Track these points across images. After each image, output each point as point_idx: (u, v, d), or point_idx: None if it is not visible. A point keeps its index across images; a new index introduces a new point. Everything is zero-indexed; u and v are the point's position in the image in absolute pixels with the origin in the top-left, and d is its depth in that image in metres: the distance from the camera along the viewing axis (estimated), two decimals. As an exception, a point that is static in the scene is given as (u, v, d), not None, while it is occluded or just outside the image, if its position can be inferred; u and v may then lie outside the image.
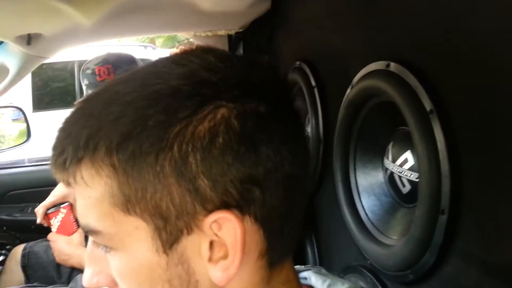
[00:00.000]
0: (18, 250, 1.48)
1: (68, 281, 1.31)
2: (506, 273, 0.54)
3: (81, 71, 1.39)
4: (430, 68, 0.66)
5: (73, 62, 4.84)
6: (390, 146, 0.84)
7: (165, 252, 0.32)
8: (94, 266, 0.36)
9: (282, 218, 0.35)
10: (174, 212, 0.32)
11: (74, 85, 4.95)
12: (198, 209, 0.32)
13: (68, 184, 0.35)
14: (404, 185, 0.81)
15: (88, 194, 0.33)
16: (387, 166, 0.85)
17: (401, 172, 0.79)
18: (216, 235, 0.32)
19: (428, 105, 0.65)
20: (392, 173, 0.84)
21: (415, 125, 0.67)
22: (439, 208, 0.62)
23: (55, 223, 1.40)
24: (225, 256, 0.32)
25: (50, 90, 4.99)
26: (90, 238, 0.36)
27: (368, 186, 0.91)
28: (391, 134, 0.84)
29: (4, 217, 1.65)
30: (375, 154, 0.90)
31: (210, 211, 0.32)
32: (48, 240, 1.40)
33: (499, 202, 0.54)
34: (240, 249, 0.32)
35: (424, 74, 0.67)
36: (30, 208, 1.68)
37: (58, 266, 1.39)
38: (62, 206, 1.41)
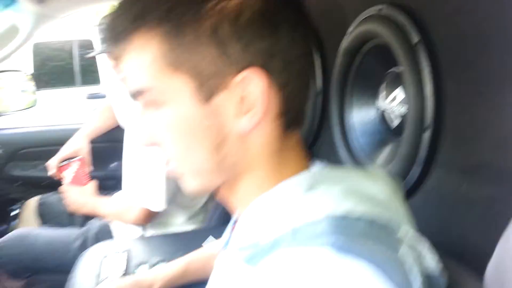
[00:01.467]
0: (33, 201, 1.57)
1: (81, 227, 1.40)
2: (482, 170, 0.63)
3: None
4: (418, 6, 0.75)
5: (71, 42, 4.85)
6: (383, 87, 0.93)
7: (202, 105, 0.41)
8: (144, 129, 0.45)
9: (296, 89, 0.44)
10: (210, 72, 0.40)
11: (72, 64, 4.96)
12: (230, 70, 0.40)
13: (117, 58, 0.43)
14: (392, 121, 0.90)
15: (141, 59, 0.41)
16: (379, 105, 0.94)
17: (391, 108, 0.89)
18: (243, 91, 0.41)
19: (415, 37, 0.74)
20: (383, 111, 0.93)
21: (404, 57, 0.76)
22: (423, 126, 0.72)
23: (67, 175, 1.49)
24: (250, 110, 0.41)
25: (49, 69, 5.01)
26: (140, 105, 0.45)
27: (362, 126, 1.00)
28: (384, 76, 0.93)
29: (17, 173, 1.74)
30: (369, 96, 0.99)
31: (239, 71, 0.40)
32: (59, 193, 1.49)
33: (476, 107, 0.63)
34: (263, 103, 0.41)
35: (412, 12, 0.76)
36: (40, 166, 1.76)
37: (71, 214, 1.48)
38: (73, 160, 1.50)
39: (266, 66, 0.41)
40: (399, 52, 0.78)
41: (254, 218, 0.44)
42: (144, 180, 1.22)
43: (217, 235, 1.04)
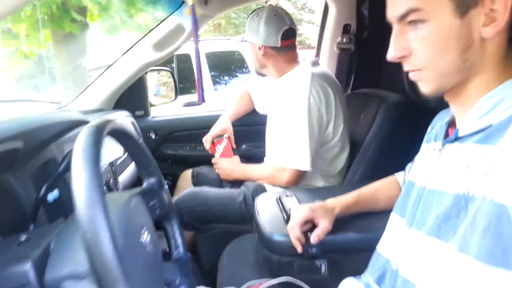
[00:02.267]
0: (188, 172, 1.88)
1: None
2: None
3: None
4: None
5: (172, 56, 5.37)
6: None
7: (458, 19, 0.59)
8: (400, 44, 0.66)
9: None
10: None
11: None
12: None
13: None
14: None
15: None
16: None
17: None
18: (493, 5, 0.57)
19: None
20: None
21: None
22: None
23: (219, 149, 1.78)
24: (494, 21, 0.58)
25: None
26: (396, 28, 0.66)
27: None
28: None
29: (169, 152, 2.08)
30: None
31: None
32: (210, 165, 1.78)
33: None
34: (504, 15, 0.57)
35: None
36: (187, 146, 2.10)
37: (221, 181, 1.76)
38: (223, 137, 1.79)
39: None
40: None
41: (483, 108, 0.61)
42: (290, 144, 1.44)
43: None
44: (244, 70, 5.22)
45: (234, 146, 1.82)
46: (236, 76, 5.47)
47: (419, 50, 0.64)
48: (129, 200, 0.70)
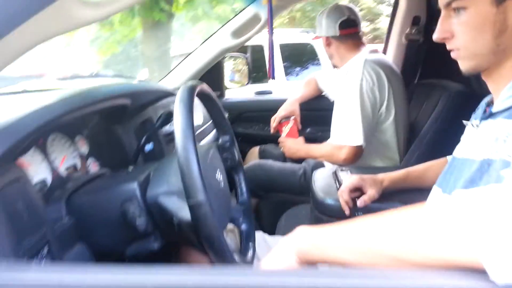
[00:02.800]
0: (255, 149, 2.08)
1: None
2: None
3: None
4: None
5: (246, 47, 5.62)
6: None
7: (495, 7, 0.69)
8: (444, 27, 0.77)
9: None
10: None
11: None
12: None
13: None
14: None
15: None
16: None
17: None
18: None
19: None
20: None
21: None
22: None
23: (285, 130, 1.94)
24: None
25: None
26: (442, 13, 0.77)
27: None
28: None
29: (240, 130, 2.30)
30: None
31: None
32: (273, 144, 1.95)
33: None
34: None
35: None
36: (256, 126, 2.30)
37: (285, 158, 1.93)
38: (291, 118, 1.94)
39: None
40: None
41: None
42: (345, 122, 1.55)
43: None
44: (315, 62, 5.30)
45: (300, 126, 1.97)
46: (307, 68, 5.57)
47: (459, 33, 0.74)
48: (208, 149, 0.89)
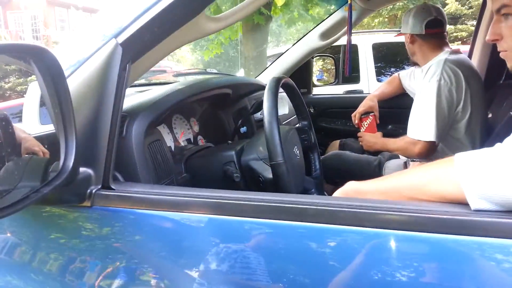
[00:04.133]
0: (336, 142, 2.27)
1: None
2: None
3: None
4: None
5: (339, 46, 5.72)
6: None
7: None
8: (495, 30, 0.90)
9: None
10: None
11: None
12: None
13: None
14: None
15: None
16: None
17: None
18: None
19: None
20: None
21: None
22: None
23: (364, 125, 2.10)
24: None
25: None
26: (494, 18, 0.90)
27: None
28: None
29: (323, 124, 2.51)
30: None
31: None
32: (353, 138, 2.12)
33: None
34: None
35: None
36: (338, 121, 2.49)
37: (363, 152, 2.09)
38: (370, 114, 2.10)
39: None
40: None
41: None
42: (420, 118, 1.65)
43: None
44: (409, 62, 5.21)
45: (378, 121, 2.11)
46: (403, 68, 5.49)
47: (507, 36, 0.87)
48: (289, 129, 1.14)
